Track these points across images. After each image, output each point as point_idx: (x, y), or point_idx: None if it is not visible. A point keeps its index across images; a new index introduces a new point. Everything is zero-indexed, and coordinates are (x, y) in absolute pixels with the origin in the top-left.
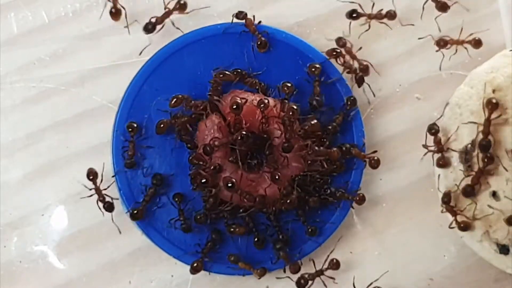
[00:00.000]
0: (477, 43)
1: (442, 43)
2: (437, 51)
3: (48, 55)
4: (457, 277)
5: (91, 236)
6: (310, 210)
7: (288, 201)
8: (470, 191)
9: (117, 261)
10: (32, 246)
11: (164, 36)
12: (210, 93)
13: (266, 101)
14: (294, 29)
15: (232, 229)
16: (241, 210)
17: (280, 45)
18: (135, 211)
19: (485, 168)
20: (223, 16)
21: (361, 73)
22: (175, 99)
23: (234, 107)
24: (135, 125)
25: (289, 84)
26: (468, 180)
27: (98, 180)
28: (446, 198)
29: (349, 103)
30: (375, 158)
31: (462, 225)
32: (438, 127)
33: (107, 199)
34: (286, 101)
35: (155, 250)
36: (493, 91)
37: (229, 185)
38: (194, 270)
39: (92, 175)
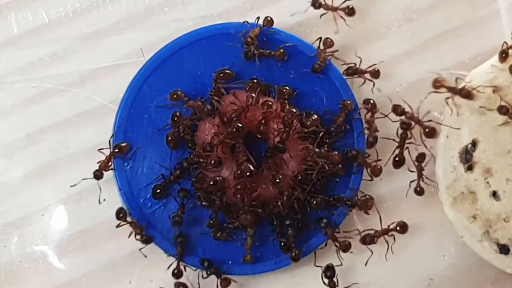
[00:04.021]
0: (350, 11)
1: (317, 4)
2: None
3: (48, 55)
4: (457, 277)
5: (91, 236)
6: (312, 211)
7: (279, 203)
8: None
9: (117, 261)
10: (32, 246)
11: (164, 36)
12: (211, 93)
13: (269, 103)
14: (294, 29)
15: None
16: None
17: (280, 45)
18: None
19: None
20: (223, 16)
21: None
22: (175, 94)
23: (250, 101)
24: (123, 145)
25: (287, 87)
26: (468, 179)
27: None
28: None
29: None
30: (378, 166)
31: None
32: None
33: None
34: (286, 102)
35: (155, 250)
36: (493, 91)
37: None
38: (217, 238)
39: (122, 213)
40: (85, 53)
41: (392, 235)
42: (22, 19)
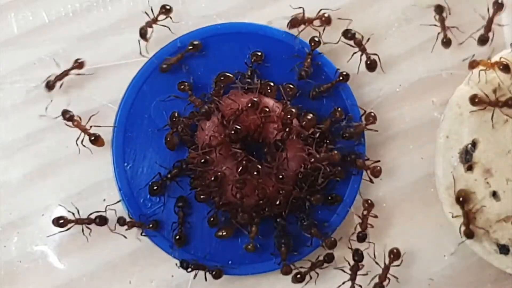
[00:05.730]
0: (327, 21)
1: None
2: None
3: (48, 55)
4: (457, 277)
5: (91, 236)
6: (311, 208)
7: (276, 202)
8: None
9: (117, 261)
10: (32, 246)
11: (164, 36)
12: (211, 94)
13: (267, 109)
14: (294, 29)
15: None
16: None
17: (280, 45)
18: (178, 237)
19: (391, 264)
20: (223, 16)
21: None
22: (182, 85)
23: (250, 105)
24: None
25: (291, 86)
26: (468, 179)
27: None
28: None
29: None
30: (378, 168)
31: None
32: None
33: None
34: (287, 102)
35: (155, 250)
36: (493, 91)
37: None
38: (221, 237)
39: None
40: (85, 53)
41: (397, 265)
42: (22, 19)
